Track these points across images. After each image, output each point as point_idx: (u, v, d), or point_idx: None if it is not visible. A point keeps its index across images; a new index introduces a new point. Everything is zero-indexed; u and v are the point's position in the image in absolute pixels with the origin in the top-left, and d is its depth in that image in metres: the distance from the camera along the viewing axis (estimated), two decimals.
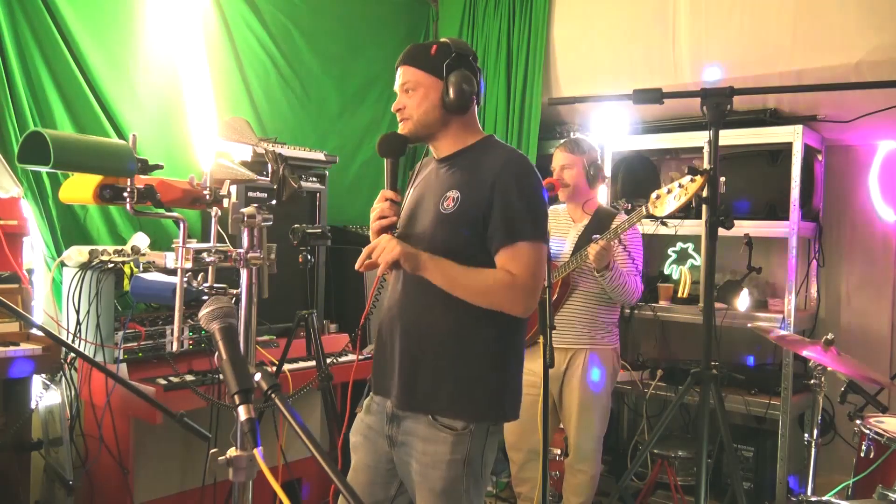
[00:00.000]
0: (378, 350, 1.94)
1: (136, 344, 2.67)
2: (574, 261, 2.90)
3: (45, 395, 2.67)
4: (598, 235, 2.81)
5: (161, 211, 1.52)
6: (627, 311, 3.75)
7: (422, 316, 1.83)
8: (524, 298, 1.75)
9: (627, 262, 2.97)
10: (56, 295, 2.87)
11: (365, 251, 1.78)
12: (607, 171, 3.89)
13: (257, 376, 1.18)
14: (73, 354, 2.61)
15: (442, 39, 1.86)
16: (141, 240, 2.89)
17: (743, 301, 3.53)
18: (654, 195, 2.50)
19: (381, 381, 1.91)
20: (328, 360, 2.79)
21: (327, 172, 3.49)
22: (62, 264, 2.82)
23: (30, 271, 2.76)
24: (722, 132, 2.14)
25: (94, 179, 1.47)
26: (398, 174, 1.87)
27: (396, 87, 1.87)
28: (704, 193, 2.24)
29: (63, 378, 2.70)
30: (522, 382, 1.91)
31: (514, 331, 1.85)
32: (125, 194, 1.46)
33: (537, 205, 1.80)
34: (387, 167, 1.86)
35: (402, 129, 1.87)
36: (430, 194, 1.87)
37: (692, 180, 2.26)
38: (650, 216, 2.58)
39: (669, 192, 2.40)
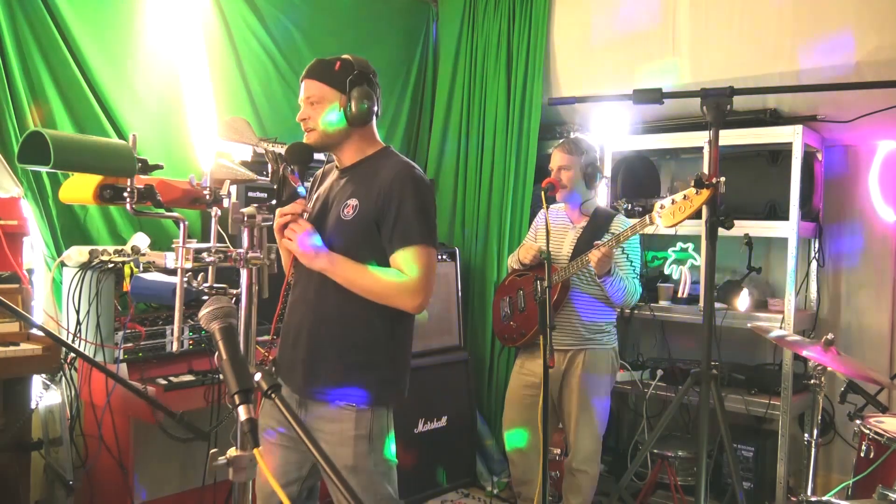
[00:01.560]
0: (282, 342, 2.06)
1: (136, 344, 2.67)
2: (575, 265, 2.89)
3: (45, 395, 2.67)
4: (600, 242, 2.80)
5: (161, 211, 1.53)
6: (627, 311, 3.74)
7: (322, 310, 1.96)
8: (416, 297, 1.91)
9: (625, 265, 2.97)
10: (56, 295, 2.87)
11: (281, 223, 1.91)
12: (607, 171, 3.89)
13: (257, 376, 1.18)
14: (73, 354, 2.61)
15: (344, 56, 2.00)
16: (141, 240, 2.88)
17: (743, 301, 3.53)
18: (658, 205, 2.44)
19: (285, 372, 2.02)
20: None
21: None
22: (62, 264, 2.82)
23: (30, 271, 2.77)
24: (722, 132, 2.14)
25: (94, 179, 1.48)
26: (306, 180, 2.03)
27: (301, 100, 2.01)
28: None
29: (63, 378, 2.70)
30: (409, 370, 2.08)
31: (404, 324, 2.02)
32: (125, 194, 1.46)
33: (428, 212, 1.95)
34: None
35: (307, 138, 2.01)
36: (331, 202, 2.02)
37: (698, 193, 2.21)
38: (653, 224, 2.55)
39: (674, 202, 2.35)
